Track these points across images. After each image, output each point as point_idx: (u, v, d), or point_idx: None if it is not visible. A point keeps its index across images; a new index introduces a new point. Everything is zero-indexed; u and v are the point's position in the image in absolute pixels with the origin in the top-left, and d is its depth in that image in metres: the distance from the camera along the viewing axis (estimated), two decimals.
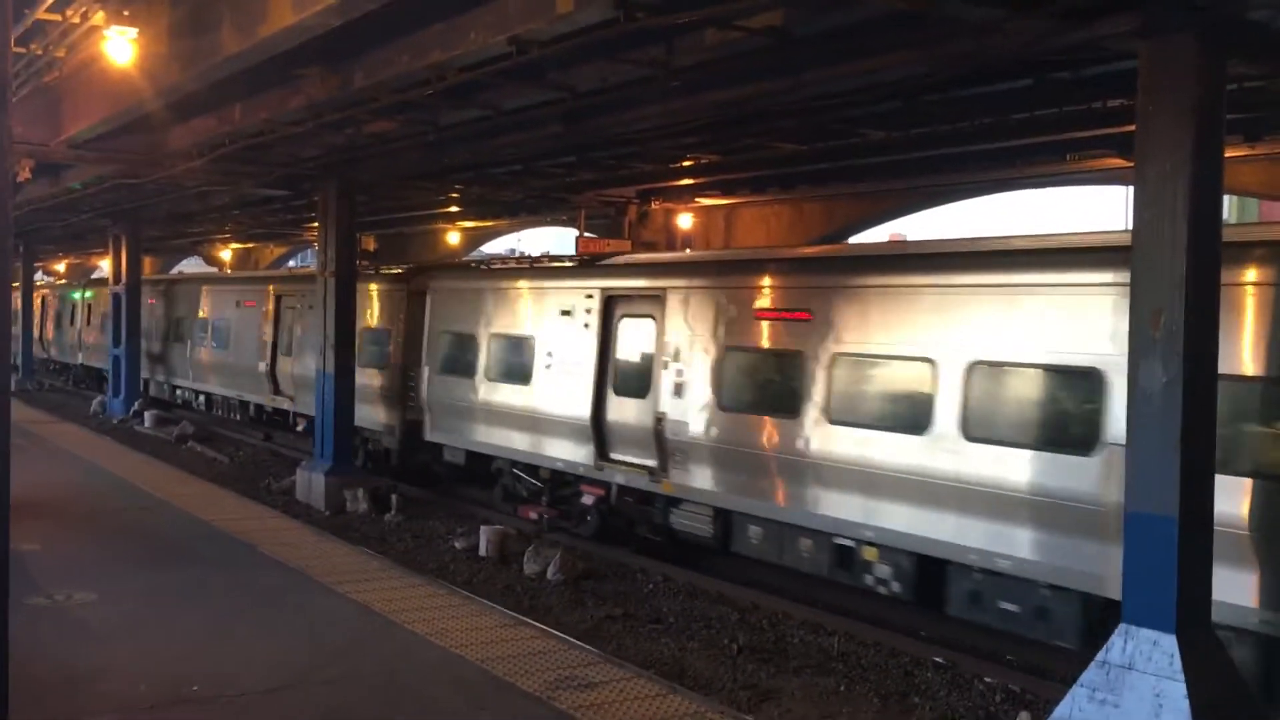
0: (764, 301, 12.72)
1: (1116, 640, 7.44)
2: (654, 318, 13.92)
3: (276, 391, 23.84)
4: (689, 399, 13.20)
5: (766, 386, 12.66)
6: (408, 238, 34.97)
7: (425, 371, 18.34)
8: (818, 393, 11.66)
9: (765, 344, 12.60)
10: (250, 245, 45.05)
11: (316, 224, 19.76)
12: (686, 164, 18.48)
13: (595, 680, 8.49)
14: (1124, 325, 7.81)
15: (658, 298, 13.94)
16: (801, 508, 11.84)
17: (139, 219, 28.43)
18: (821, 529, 11.65)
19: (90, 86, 15.52)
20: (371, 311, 20.45)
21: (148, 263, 41.33)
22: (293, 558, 12.28)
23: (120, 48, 12.01)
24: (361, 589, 10.99)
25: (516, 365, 16.26)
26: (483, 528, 15.09)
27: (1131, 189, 7.67)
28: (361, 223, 24.22)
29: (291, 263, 50.64)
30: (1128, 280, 7.77)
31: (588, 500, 15.21)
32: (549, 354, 15.52)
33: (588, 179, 20.72)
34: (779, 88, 10.79)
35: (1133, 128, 7.72)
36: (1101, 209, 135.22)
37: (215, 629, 9.64)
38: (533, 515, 16.03)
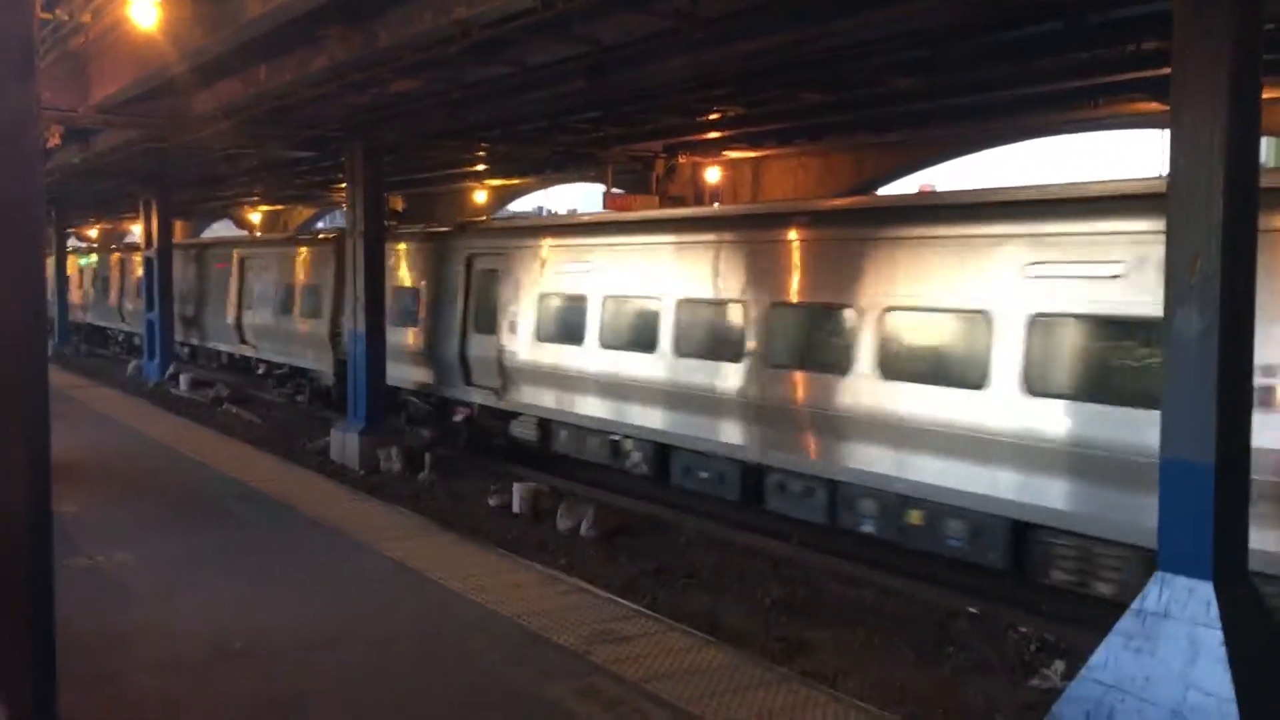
0: (567, 256, 16.23)
1: (1152, 588, 7.41)
2: (498, 271, 17.53)
3: (242, 341, 27.21)
4: (519, 334, 16.89)
5: (565, 322, 16.02)
6: (435, 197, 34.97)
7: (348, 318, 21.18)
8: (594, 326, 15.29)
9: (564, 290, 16.09)
10: (280, 207, 45.20)
11: (344, 185, 19.78)
12: (713, 117, 18.32)
13: (630, 634, 8.56)
14: None
15: (501, 255, 17.60)
16: (588, 414, 15.41)
17: (168, 183, 28.54)
18: (600, 429, 15.24)
19: (116, 51, 15.55)
20: (309, 269, 23.61)
21: (179, 226, 41.57)
22: (329, 517, 12.42)
23: (144, 11, 12.02)
24: (397, 547, 11.10)
25: (410, 312, 19.92)
26: (516, 485, 15.19)
27: (1167, 133, 7.54)
28: (389, 183, 24.19)
29: (320, 223, 50.84)
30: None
31: (458, 418, 18.81)
32: (432, 302, 19.29)
33: (614, 134, 20.60)
34: (806, 37, 10.67)
35: (1167, 71, 7.57)
36: (1135, 153, 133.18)
37: (254, 588, 9.77)
38: (426, 433, 19.24)
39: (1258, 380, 7.74)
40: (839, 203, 15.08)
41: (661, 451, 14.22)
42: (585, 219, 17.95)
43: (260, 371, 26.73)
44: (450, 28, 11.13)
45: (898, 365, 11.11)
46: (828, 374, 11.73)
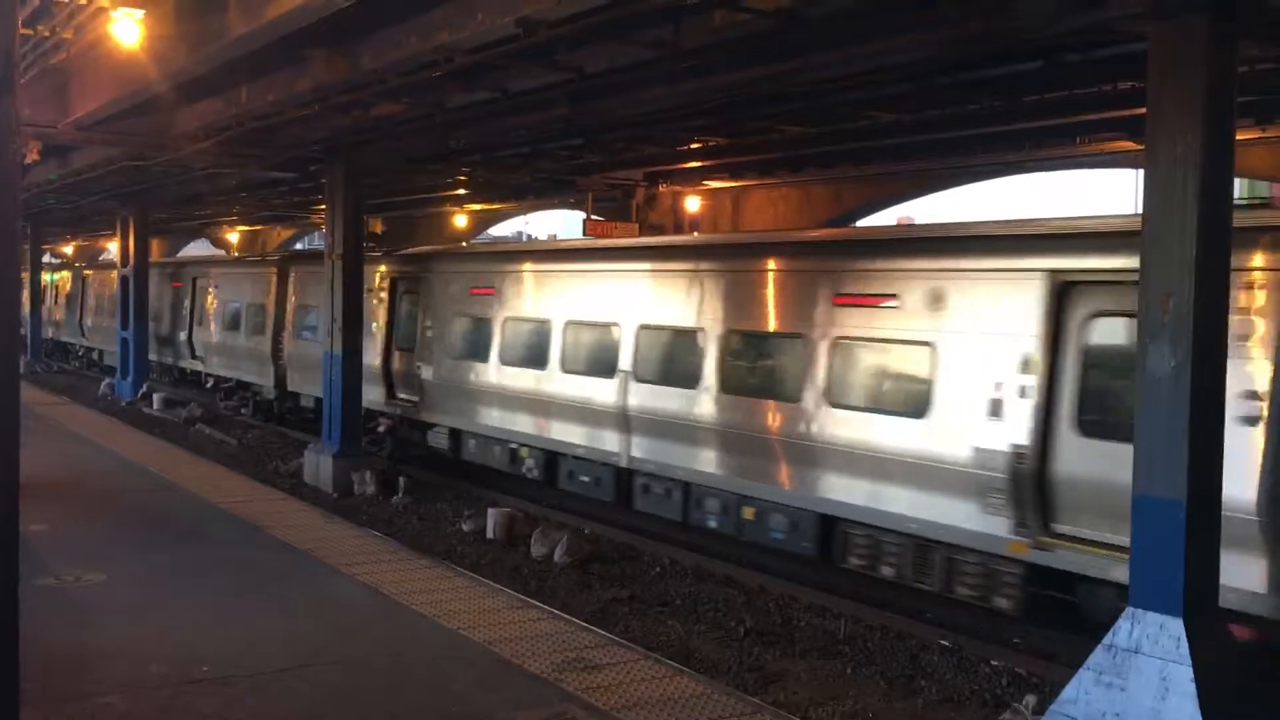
0: (472, 282, 17.64)
1: (1123, 624, 7.45)
2: (418, 294, 19.03)
3: (193, 356, 28.95)
4: (434, 352, 18.34)
5: (471, 342, 17.47)
6: (415, 220, 34.98)
7: (286, 336, 23.37)
8: (496, 345, 16.66)
9: (472, 311, 17.46)
10: (258, 228, 45.07)
11: (324, 206, 19.77)
12: (694, 146, 18.45)
13: (602, 662, 8.52)
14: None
15: (420, 279, 19.13)
16: (491, 425, 16.88)
17: (147, 201, 28.41)
18: (501, 439, 16.72)
19: (97, 68, 15.51)
20: (254, 290, 25.11)
21: (156, 245, 41.35)
22: (301, 540, 12.32)
23: (127, 29, 11.99)
24: (369, 571, 11.02)
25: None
26: (490, 510, 15.13)
27: (1142, 172, 7.63)
28: (369, 205, 24.22)
29: (299, 245, 50.71)
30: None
31: (382, 428, 20.14)
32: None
33: (595, 161, 20.69)
34: (787, 70, 10.74)
35: (1144, 110, 7.68)
36: (1112, 192, 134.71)
37: (224, 610, 9.68)
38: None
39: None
40: (693, 240, 17.67)
41: (551, 458, 15.81)
42: (486, 248, 20.01)
43: (209, 385, 28.22)
44: (433, 53, 11.17)
45: (735, 381, 12.76)
46: (682, 388, 13.27)
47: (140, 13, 11.91)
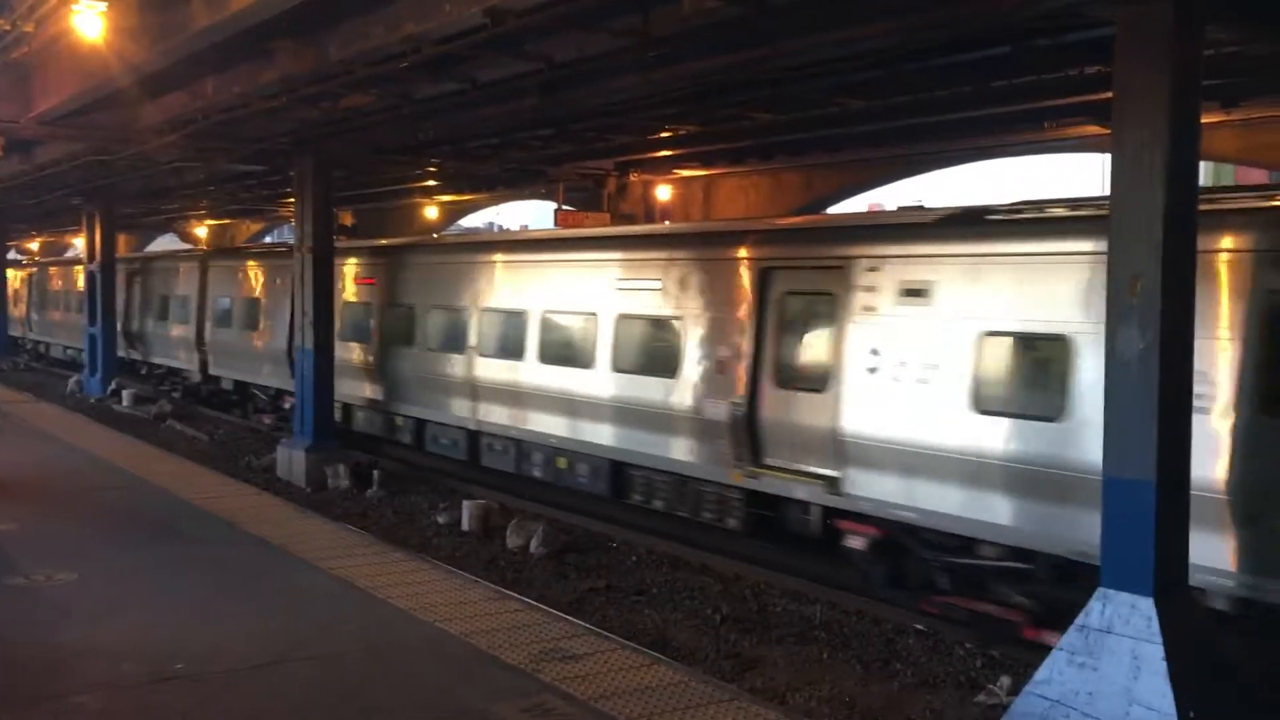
0: (358, 274, 20.13)
1: (1095, 604, 7.52)
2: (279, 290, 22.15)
3: (130, 345, 30.91)
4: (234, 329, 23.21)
5: (359, 327, 19.72)
6: (385, 212, 34.74)
7: (208, 325, 25.76)
8: (377, 329, 19.17)
9: (360, 299, 19.91)
10: (226, 221, 44.68)
11: (293, 199, 19.64)
12: (665, 135, 18.41)
13: (579, 652, 8.52)
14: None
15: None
16: (374, 398, 19.35)
17: (112, 196, 28.15)
18: (381, 409, 19.14)
19: (60, 62, 15.33)
20: (183, 284, 27.26)
21: (123, 240, 40.95)
22: (274, 535, 12.26)
23: (90, 22, 11.85)
24: (344, 565, 10.98)
25: (239, 317, 24.19)
26: (465, 502, 15.10)
27: (1109, 156, 7.68)
28: (339, 198, 24.06)
29: (268, 238, 50.39)
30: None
31: (287, 405, 21.91)
32: (270, 310, 22.79)
33: (566, 151, 20.62)
34: (756, 57, 10.74)
35: (1110, 95, 7.73)
36: (1080, 176, 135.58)
37: (198, 607, 9.62)
38: (267, 420, 23.69)
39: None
40: (519, 235, 20.46)
41: (420, 425, 18.28)
42: (369, 244, 21.74)
43: (143, 371, 30.82)
44: (401, 43, 11.10)
45: (549, 354, 15.19)
46: (512, 360, 15.74)
47: (103, 5, 11.78)
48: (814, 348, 11.58)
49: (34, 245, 56.36)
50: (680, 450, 12.98)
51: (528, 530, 13.79)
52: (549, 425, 15.08)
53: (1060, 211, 10.39)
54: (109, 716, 7.22)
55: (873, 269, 10.90)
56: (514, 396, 15.71)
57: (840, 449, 10.94)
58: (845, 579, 11.90)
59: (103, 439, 19.71)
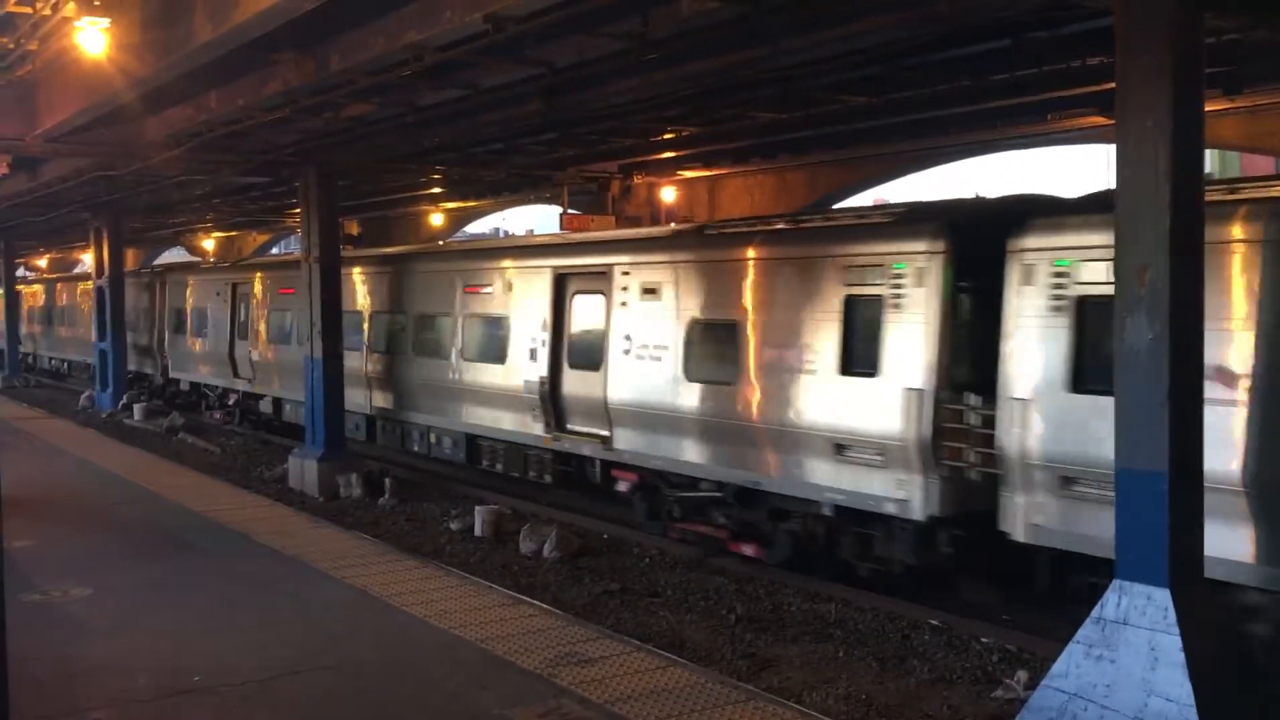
0: (280, 284, 22.84)
1: (1111, 596, 7.49)
2: (249, 295, 24.57)
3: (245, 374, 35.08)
4: (259, 339, 23.88)
5: (280, 330, 22.67)
6: (391, 221, 34.80)
7: (166, 334, 29.23)
8: (292, 332, 21.50)
9: (280, 307, 22.70)
10: (233, 234, 44.79)
11: (298, 210, 19.68)
12: (668, 137, 18.40)
13: (595, 655, 8.52)
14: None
15: (248, 284, 24.71)
16: (290, 395, 22.18)
17: (119, 211, 28.25)
18: (297, 401, 21.14)
19: (64, 79, 15.38)
20: (143, 297, 30.77)
21: (130, 254, 41.06)
22: (288, 545, 12.29)
23: (93, 38, 11.89)
24: (358, 573, 11.00)
25: (202, 327, 26.90)
26: (478, 508, 15.11)
27: (1113, 146, 7.66)
28: (344, 207, 24.13)
29: (275, 249, 50.50)
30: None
31: (231, 401, 26.22)
32: (215, 317, 26.03)
33: (569, 155, 20.63)
34: (756, 56, 10.73)
35: (1113, 85, 7.70)
36: (1084, 168, 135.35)
37: (213, 619, 9.65)
38: (217, 415, 26.99)
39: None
40: (390, 251, 22.45)
41: (399, 429, 20.57)
42: (272, 258, 27.03)
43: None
44: (402, 52, 11.12)
45: (421, 348, 18.44)
46: (395, 354, 19.18)
47: (106, 21, 11.81)
48: (591, 336, 14.58)
49: (42, 262, 56.56)
50: (511, 422, 16.09)
51: (540, 535, 13.80)
52: (422, 408, 18.54)
53: (744, 228, 13.38)
54: None
55: (625, 273, 14.02)
56: (399, 385, 19.11)
57: (609, 414, 14.08)
58: (858, 577, 11.88)
59: (115, 453, 19.77)
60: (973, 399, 10.12)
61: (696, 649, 10.09)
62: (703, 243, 13.37)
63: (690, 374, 12.91)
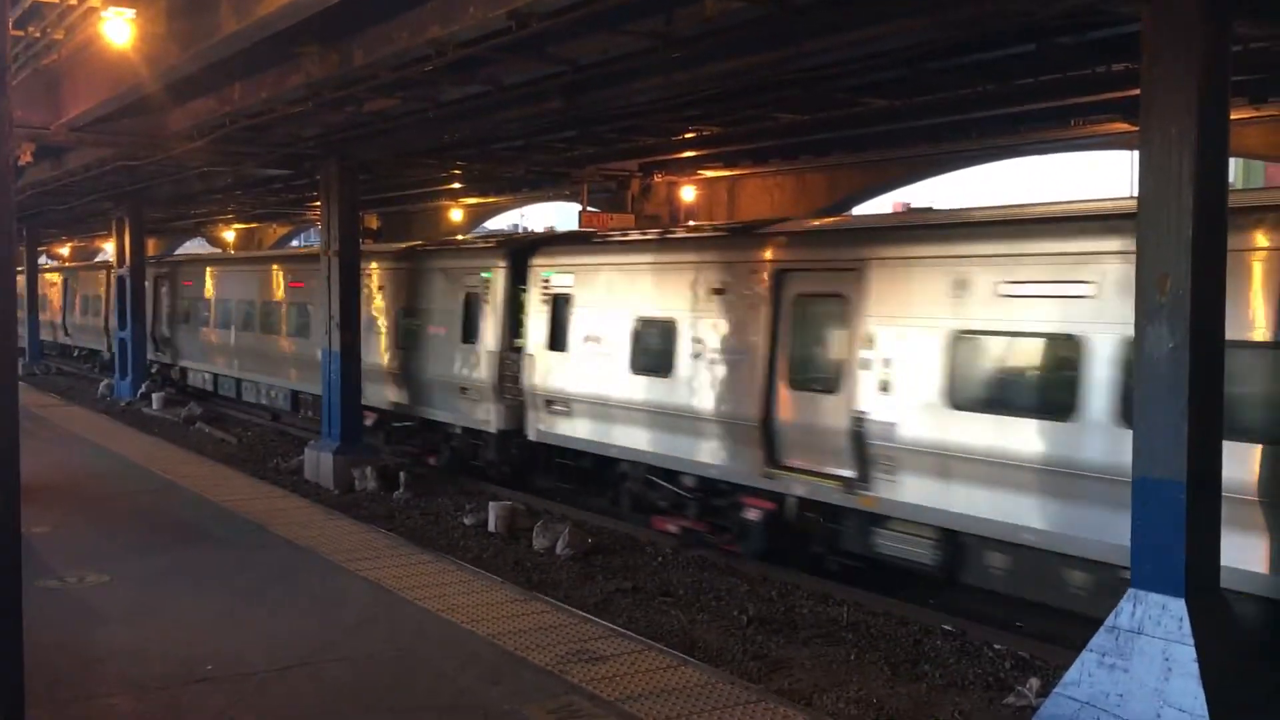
0: (187, 276, 29.90)
1: (1125, 605, 7.46)
2: (175, 287, 30.97)
3: (65, 334, 42.29)
4: (190, 325, 29.69)
5: (201, 315, 28.65)
6: (411, 215, 34.89)
7: (113, 317, 31.45)
8: (221, 318, 27.43)
9: (193, 295, 29.12)
10: (254, 225, 44.99)
11: (319, 203, 19.75)
12: (688, 136, 18.39)
13: (606, 653, 8.53)
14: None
15: (171, 277, 31.32)
16: (221, 371, 27.90)
17: (141, 201, 28.38)
18: (227, 376, 27.60)
19: (89, 69, 15.46)
20: (94, 287, 37.60)
21: (151, 244, 41.30)
22: (303, 537, 12.34)
23: (118, 29, 11.95)
24: (372, 567, 11.04)
25: (187, 316, 30.45)
26: (491, 504, 15.14)
27: (1136, 153, 7.62)
28: (364, 201, 24.18)
29: (295, 242, 50.70)
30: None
31: (154, 369, 31.14)
32: (207, 306, 29.03)
33: (589, 153, 20.65)
34: (780, 57, 10.71)
35: (1137, 92, 7.66)
36: (1107, 174, 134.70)
37: (227, 609, 9.69)
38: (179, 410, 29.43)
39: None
40: (305, 249, 27.58)
41: (256, 388, 26.18)
42: (193, 256, 32.73)
43: (75, 354, 42.54)
44: (425, 47, 11.13)
45: (290, 330, 23.36)
46: (301, 338, 22.68)
47: (131, 12, 11.86)
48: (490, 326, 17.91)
49: (65, 250, 56.91)
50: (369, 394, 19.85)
51: (554, 532, 13.81)
52: (266, 375, 24.90)
53: (683, 233, 15.40)
54: (139, 717, 7.29)
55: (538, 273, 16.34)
56: (302, 364, 22.88)
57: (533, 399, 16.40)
58: (871, 580, 11.86)
59: (133, 442, 19.89)
60: (513, 356, 16.51)
61: (708, 649, 10.08)
62: (410, 256, 20.03)
63: (636, 369, 14.19)
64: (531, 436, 16.07)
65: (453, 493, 17.16)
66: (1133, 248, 7.80)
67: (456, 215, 34.48)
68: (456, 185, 26.42)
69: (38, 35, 13.74)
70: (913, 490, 10.67)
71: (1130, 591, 7.48)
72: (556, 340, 15.48)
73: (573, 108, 13.77)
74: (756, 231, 13.54)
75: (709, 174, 24.18)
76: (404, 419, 19.77)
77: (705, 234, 14.71)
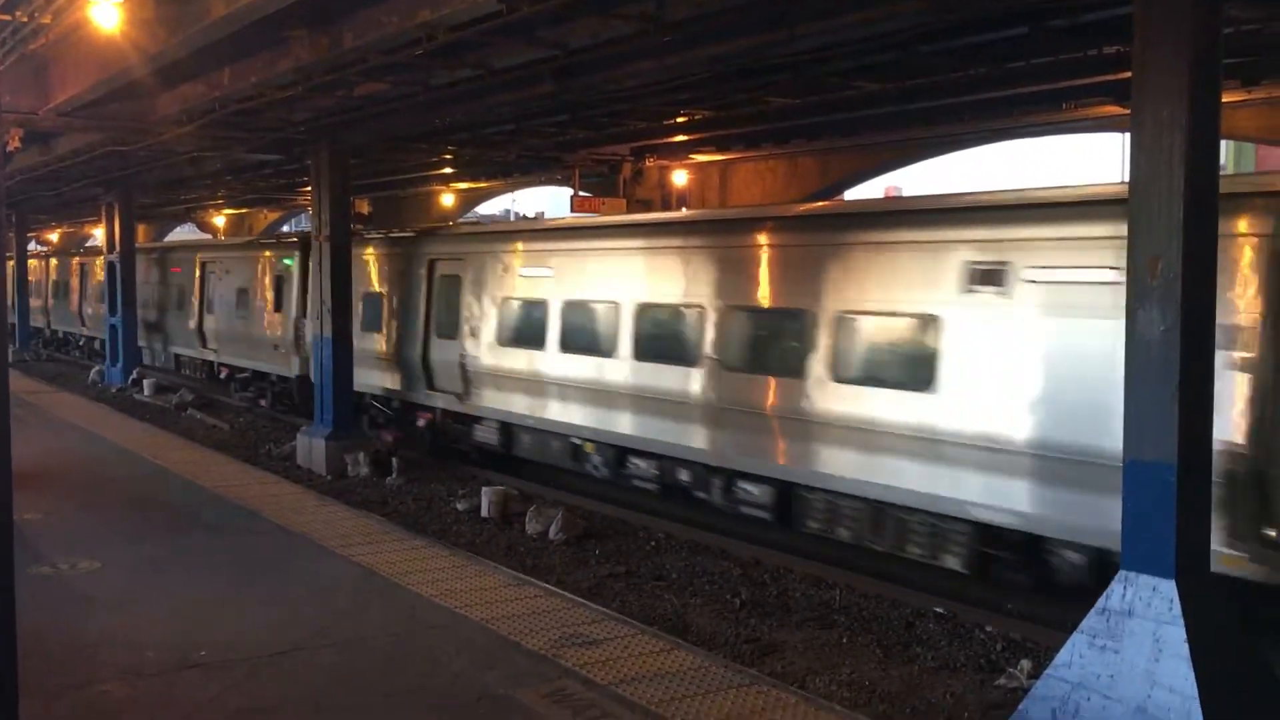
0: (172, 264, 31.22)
1: (1116, 587, 7.48)
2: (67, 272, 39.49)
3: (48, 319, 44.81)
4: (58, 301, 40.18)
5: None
6: (402, 200, 34.80)
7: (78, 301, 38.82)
8: (194, 301, 29.01)
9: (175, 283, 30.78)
10: (244, 211, 44.85)
11: (309, 188, 19.68)
12: (680, 120, 18.36)
13: (599, 637, 8.55)
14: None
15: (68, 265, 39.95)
16: (187, 350, 30.09)
17: (131, 186, 28.27)
18: (191, 356, 30.09)
19: (77, 53, 15.37)
20: (60, 273, 41.97)
21: (141, 230, 41.20)
22: (295, 522, 12.33)
23: (106, 13, 11.87)
24: (365, 552, 11.04)
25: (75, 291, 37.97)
26: (484, 489, 15.14)
27: (1128, 136, 7.61)
28: (356, 186, 24.13)
29: (286, 227, 50.58)
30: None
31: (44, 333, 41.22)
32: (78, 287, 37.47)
33: (581, 137, 20.60)
34: (772, 40, 10.69)
35: (1129, 75, 7.65)
36: (1099, 157, 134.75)
37: (220, 595, 9.69)
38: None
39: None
40: (237, 239, 31.07)
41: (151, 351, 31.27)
42: (165, 244, 36.75)
43: (47, 333, 44.51)
44: (415, 30, 11.09)
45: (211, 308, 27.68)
46: (179, 311, 28.42)
47: None
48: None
49: (54, 236, 56.70)
50: (263, 361, 24.40)
51: (547, 516, 13.82)
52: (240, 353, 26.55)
53: (571, 221, 18.84)
54: (133, 703, 7.29)
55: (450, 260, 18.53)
56: (245, 338, 25.22)
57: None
58: (862, 563, 11.89)
59: (124, 428, 19.85)
60: (305, 320, 21.18)
61: (701, 633, 10.11)
62: (244, 247, 26.54)
63: (238, 315, 23.59)
64: (314, 379, 20.02)
65: (445, 478, 17.16)
66: (578, 241, 15.63)
67: (448, 200, 34.40)
68: (448, 170, 26.35)
69: (25, 20, 13.66)
70: (486, 399, 16.97)
71: (1121, 573, 7.50)
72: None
73: (564, 92, 13.73)
74: (420, 232, 20.19)
75: (701, 158, 24.15)
76: (242, 370, 25.96)
77: (394, 234, 20.77)
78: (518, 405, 16.20)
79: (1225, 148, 26.58)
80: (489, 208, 49.21)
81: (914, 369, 10.54)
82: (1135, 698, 7.17)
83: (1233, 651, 7.44)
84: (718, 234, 13.47)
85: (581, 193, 24.44)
